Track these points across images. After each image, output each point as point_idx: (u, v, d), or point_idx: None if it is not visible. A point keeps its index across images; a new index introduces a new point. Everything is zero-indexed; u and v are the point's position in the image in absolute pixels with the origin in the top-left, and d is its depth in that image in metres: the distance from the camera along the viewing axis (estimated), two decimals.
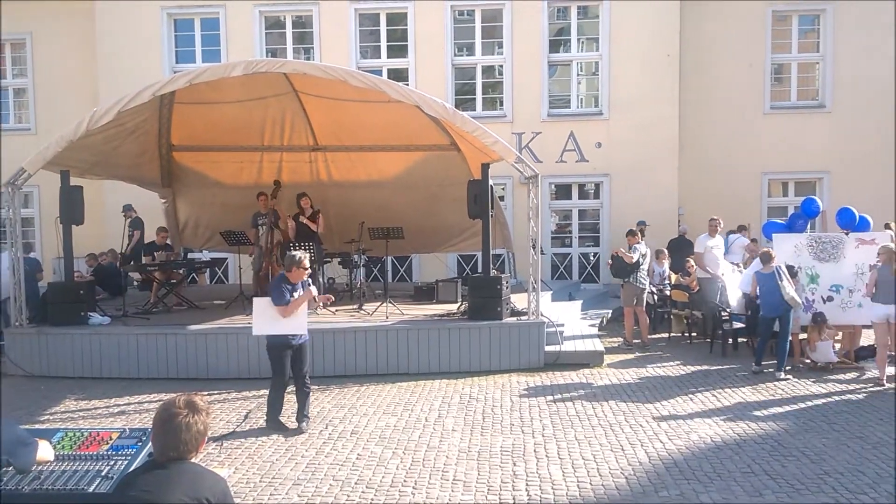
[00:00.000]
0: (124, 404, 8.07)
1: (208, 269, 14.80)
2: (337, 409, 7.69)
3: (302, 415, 7.01)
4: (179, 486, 2.56)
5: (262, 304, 6.81)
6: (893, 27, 15.32)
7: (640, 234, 10.95)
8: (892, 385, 8.26)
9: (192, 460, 2.69)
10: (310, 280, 7.19)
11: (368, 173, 12.25)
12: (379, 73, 14.76)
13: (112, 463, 3.29)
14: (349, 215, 11.70)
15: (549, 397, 8.02)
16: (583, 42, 15.84)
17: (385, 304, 10.34)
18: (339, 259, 12.26)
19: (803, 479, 5.48)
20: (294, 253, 7.06)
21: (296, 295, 6.76)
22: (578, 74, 16.05)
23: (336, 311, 10.56)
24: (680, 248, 13.16)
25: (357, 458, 6.15)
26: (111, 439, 3.47)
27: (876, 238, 9.55)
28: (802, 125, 15.83)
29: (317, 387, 8.47)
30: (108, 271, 12.66)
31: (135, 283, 12.68)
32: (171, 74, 12.89)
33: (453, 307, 10.79)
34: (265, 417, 7.10)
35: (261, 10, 15.48)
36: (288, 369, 6.90)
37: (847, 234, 9.89)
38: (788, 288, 8.73)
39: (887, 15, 15.34)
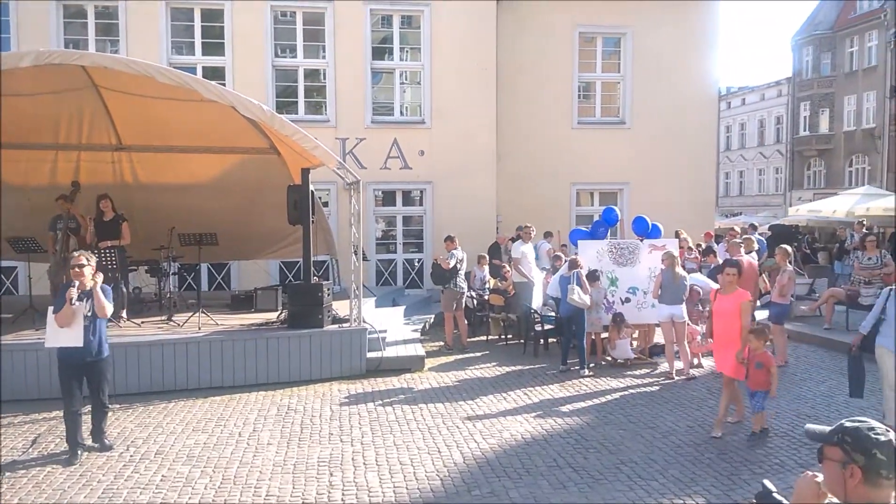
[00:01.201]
0: None
1: None
2: (140, 428, 7.16)
3: (98, 436, 6.52)
4: None
5: (50, 314, 6.27)
6: (684, 52, 17.05)
7: (456, 241, 11.24)
8: (681, 378, 9.11)
9: None
10: (107, 286, 6.51)
11: (179, 176, 11.52)
12: (193, 70, 14.02)
13: None
14: (158, 220, 10.92)
15: (370, 404, 8.00)
16: (406, 51, 16.06)
17: (198, 315, 9.80)
18: (146, 267, 11.45)
19: (602, 470, 5.88)
20: (75, 252, 6.53)
21: (77, 303, 6.15)
22: (402, 82, 16.25)
23: (142, 322, 9.85)
24: (497, 254, 13.71)
25: (161, 480, 5.75)
26: None
27: (666, 244, 10.52)
28: (606, 140, 17.12)
29: (118, 406, 7.88)
30: None
31: None
32: None
33: (273, 316, 10.46)
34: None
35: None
36: (77, 389, 6.30)
37: (642, 240, 10.81)
38: (576, 292, 9.34)
39: (678, 42, 17.01)
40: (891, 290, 6.56)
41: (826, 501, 2.13)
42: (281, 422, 7.34)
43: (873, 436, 2.02)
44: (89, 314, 6.20)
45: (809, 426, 2.21)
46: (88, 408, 6.53)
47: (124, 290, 10.11)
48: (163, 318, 10.22)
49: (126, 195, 11.25)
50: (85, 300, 6.19)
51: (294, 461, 6.18)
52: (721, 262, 10.06)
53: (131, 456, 6.33)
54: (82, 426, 6.42)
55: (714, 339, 7.22)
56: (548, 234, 14.59)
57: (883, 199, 21.54)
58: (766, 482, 2.37)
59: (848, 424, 2.08)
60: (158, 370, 8.66)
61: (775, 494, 2.30)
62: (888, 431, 2.04)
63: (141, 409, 7.87)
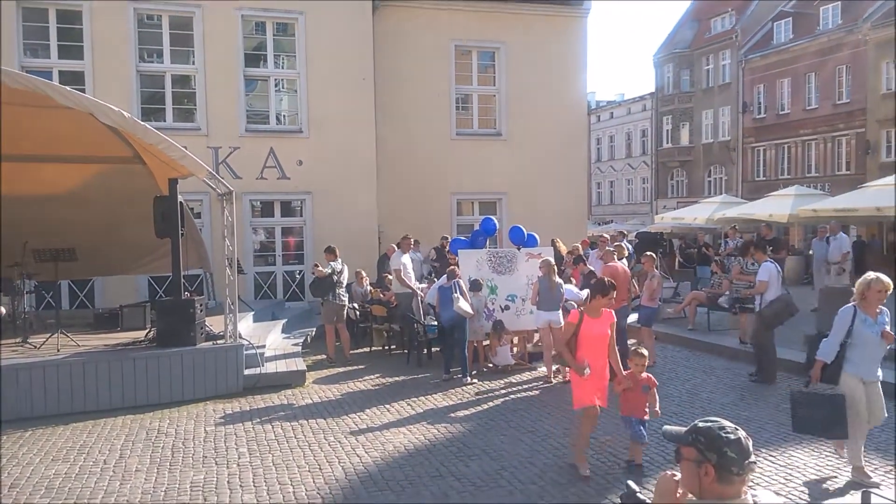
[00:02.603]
0: None
1: None
2: None
3: None
4: None
5: None
6: (555, 66, 17.72)
7: (336, 252, 11.06)
8: (558, 381, 9.38)
9: None
10: None
11: (33, 187, 10.63)
12: (49, 75, 13.07)
13: None
14: (10, 235, 10.07)
15: (248, 423, 7.71)
16: (282, 59, 15.71)
17: (56, 335, 9.10)
18: None
19: (484, 477, 5.93)
20: None
21: None
22: (278, 91, 15.89)
23: None
24: (385, 266, 13.61)
25: None
26: None
27: (542, 252, 10.84)
28: (484, 151, 17.49)
29: None
30: None
31: None
32: None
33: (141, 334, 9.89)
34: None
35: None
36: None
37: (519, 249, 11.08)
38: (460, 301, 9.48)
39: (549, 57, 17.65)
40: (853, 307, 5.64)
41: (686, 500, 2.22)
42: (151, 446, 6.93)
43: (724, 435, 2.12)
44: None
45: (667, 427, 2.31)
46: None
47: None
48: (17, 340, 9.43)
49: None
50: None
51: (165, 487, 5.83)
52: (590, 270, 10.49)
53: None
54: None
55: (590, 369, 6.00)
56: (416, 243, 14.70)
57: (738, 206, 23.31)
58: (630, 482, 2.46)
59: (701, 425, 2.18)
60: (11, 397, 7.96)
61: (639, 494, 2.38)
62: (737, 430, 2.15)
63: None
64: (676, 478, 2.23)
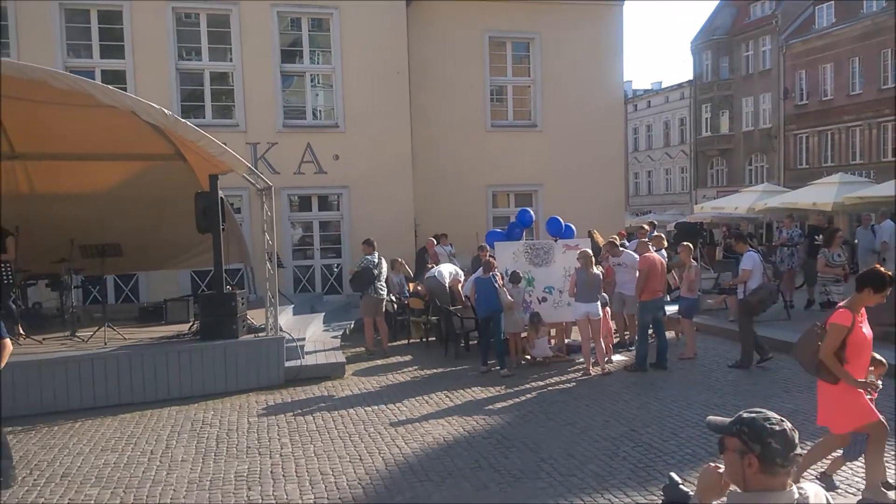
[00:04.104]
0: None
1: None
2: (45, 450, 6.75)
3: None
4: None
5: None
6: (591, 55, 17.54)
7: (374, 245, 11.17)
8: (596, 373, 9.33)
9: None
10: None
11: (79, 185, 10.94)
12: (91, 74, 13.38)
13: None
14: (57, 232, 10.35)
15: (289, 414, 7.83)
16: (317, 54, 15.84)
17: (103, 329, 9.35)
18: (46, 281, 10.84)
19: (523, 468, 5.93)
20: None
21: None
22: (314, 86, 16.02)
23: (43, 339, 9.32)
24: (424, 259, 13.69)
25: None
26: None
27: (579, 244, 10.76)
28: (519, 142, 17.41)
29: (20, 427, 7.46)
30: None
31: None
32: None
33: (185, 328, 10.10)
34: None
35: None
36: None
37: (556, 240, 11.03)
38: (504, 293, 9.52)
39: (585, 46, 17.48)
40: None
41: (729, 491, 2.20)
42: (196, 437, 7.08)
43: (768, 426, 2.10)
44: None
45: (711, 418, 2.29)
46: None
47: (13, 306, 9.52)
48: (66, 333, 9.71)
49: (21, 206, 10.62)
50: None
51: (210, 477, 5.96)
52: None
53: (35, 480, 5.96)
54: None
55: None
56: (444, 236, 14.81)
57: (780, 195, 22.82)
58: (673, 474, 2.44)
59: (745, 415, 2.16)
60: (63, 388, 8.20)
61: (681, 486, 2.37)
62: (783, 421, 2.12)
63: (45, 429, 7.43)
64: (720, 470, 2.21)
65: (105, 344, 8.97)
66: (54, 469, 6.22)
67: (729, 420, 2.21)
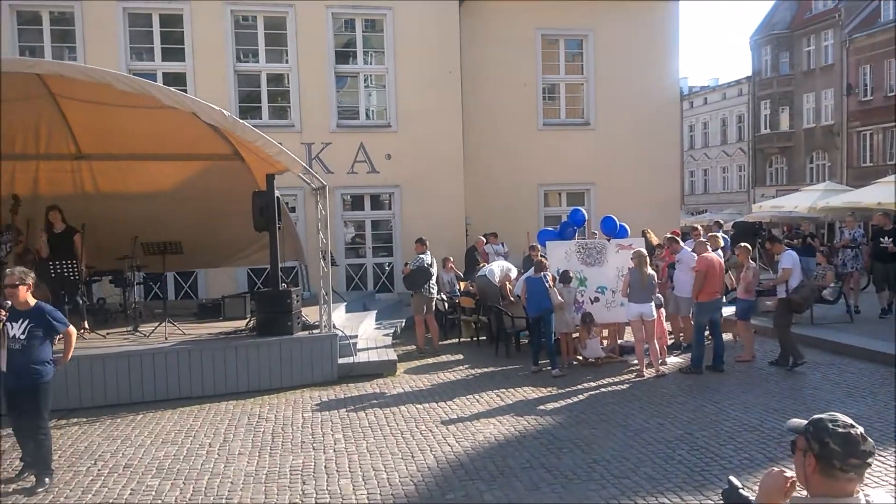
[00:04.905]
0: None
1: None
2: (108, 441, 7.00)
3: (38, 471, 5.86)
4: None
5: None
6: (646, 52, 17.26)
7: (426, 244, 11.24)
8: (650, 375, 9.19)
9: None
10: (51, 308, 6.01)
11: (141, 184, 11.30)
12: (153, 77, 13.78)
13: None
14: (121, 229, 10.71)
15: (342, 410, 7.94)
16: (371, 55, 15.99)
17: (164, 324, 9.64)
18: (110, 277, 11.22)
19: (575, 469, 5.89)
20: (8, 270, 5.97)
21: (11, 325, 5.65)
22: (367, 86, 16.18)
23: (107, 334, 9.65)
24: (473, 259, 13.69)
25: (130, 494, 5.63)
26: None
27: (633, 244, 10.61)
28: (571, 140, 17.24)
29: (84, 419, 7.77)
30: None
31: None
32: None
33: (241, 324, 10.33)
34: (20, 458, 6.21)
35: (11, 5, 13.81)
36: (10, 418, 5.86)
37: (609, 240, 10.89)
38: (555, 292, 9.46)
39: (640, 43, 17.23)
40: None
41: (794, 496, 2.16)
42: (252, 431, 7.24)
43: (831, 426, 2.07)
44: (23, 336, 5.66)
45: (792, 420, 2.25)
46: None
47: (80, 301, 9.89)
48: (128, 328, 10.05)
49: (87, 205, 11.04)
50: (21, 322, 5.68)
51: (266, 470, 6.09)
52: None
53: (99, 470, 6.19)
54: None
55: None
56: (493, 235, 14.79)
57: (843, 194, 22.05)
58: (733, 478, 2.40)
59: (816, 416, 2.13)
60: (125, 382, 8.49)
61: (741, 491, 2.32)
62: (852, 426, 2.07)
63: (108, 421, 7.71)
64: (787, 474, 2.17)
65: (166, 339, 9.25)
66: (117, 460, 6.44)
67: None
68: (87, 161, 11.14)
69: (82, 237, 10.02)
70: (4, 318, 5.64)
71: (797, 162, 38.40)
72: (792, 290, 9.60)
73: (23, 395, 5.75)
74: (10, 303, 5.69)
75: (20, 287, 5.72)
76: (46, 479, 5.81)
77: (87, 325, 9.69)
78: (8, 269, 5.81)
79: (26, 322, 5.69)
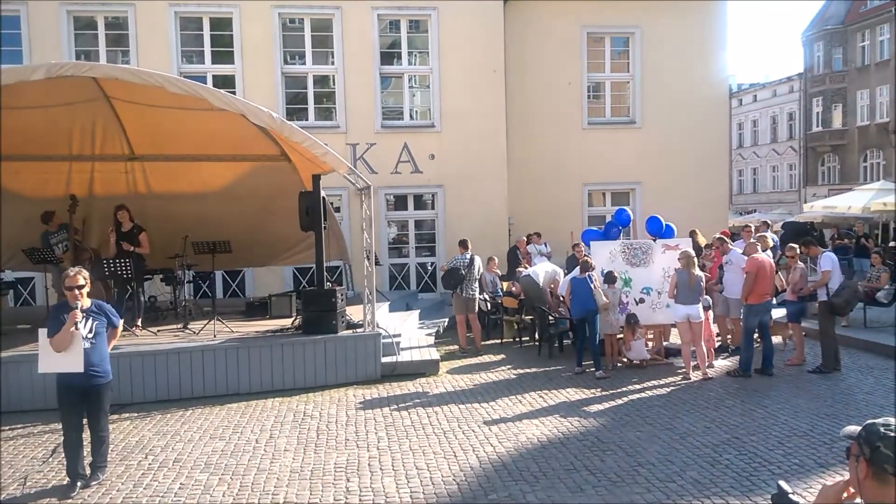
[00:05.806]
0: None
1: (12, 291, 13.37)
2: (158, 436, 7.19)
3: (96, 464, 5.97)
4: None
5: (42, 336, 5.70)
6: (694, 49, 16.97)
7: (468, 245, 11.27)
8: (697, 378, 9.04)
9: None
10: (106, 305, 6.11)
11: (192, 184, 11.59)
12: (203, 79, 14.09)
13: None
14: (171, 229, 11.01)
15: (386, 409, 8.00)
16: (415, 55, 16.07)
17: (213, 322, 9.85)
18: (161, 275, 11.53)
19: (620, 472, 5.83)
20: (68, 271, 6.00)
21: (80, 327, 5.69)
22: (411, 87, 16.26)
23: (158, 331, 9.91)
24: (516, 259, 13.68)
25: (180, 488, 5.77)
26: None
27: (680, 244, 10.44)
28: (617, 139, 17.05)
29: (136, 414, 7.98)
30: None
31: None
32: None
33: (287, 322, 10.49)
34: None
35: (69, 10, 14.28)
36: (77, 416, 5.84)
37: (655, 240, 10.75)
38: (601, 293, 9.38)
39: (687, 40, 16.94)
40: None
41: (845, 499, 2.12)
42: (297, 428, 7.35)
43: (883, 430, 2.01)
44: (90, 335, 5.75)
45: (849, 426, 2.20)
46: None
47: (141, 298, 10.19)
48: (178, 326, 10.30)
49: (140, 204, 11.35)
50: (85, 321, 5.75)
51: (311, 467, 6.18)
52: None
53: (150, 464, 6.36)
54: (83, 456, 5.93)
55: None
56: (537, 235, 14.73)
57: None
58: (782, 483, 2.36)
59: (870, 420, 2.08)
60: (175, 378, 8.71)
61: (791, 496, 2.28)
62: None
63: (158, 417, 7.91)
64: (847, 480, 2.13)
65: (214, 336, 9.45)
66: (167, 455, 6.61)
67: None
68: (139, 162, 11.46)
69: (148, 235, 10.32)
70: (80, 320, 5.70)
71: (850, 160, 37.29)
72: (833, 294, 9.38)
73: (91, 394, 5.83)
74: (80, 303, 5.74)
75: (84, 288, 5.83)
76: (100, 474, 5.97)
77: (139, 323, 9.97)
78: (70, 271, 5.88)
79: (90, 320, 5.81)
